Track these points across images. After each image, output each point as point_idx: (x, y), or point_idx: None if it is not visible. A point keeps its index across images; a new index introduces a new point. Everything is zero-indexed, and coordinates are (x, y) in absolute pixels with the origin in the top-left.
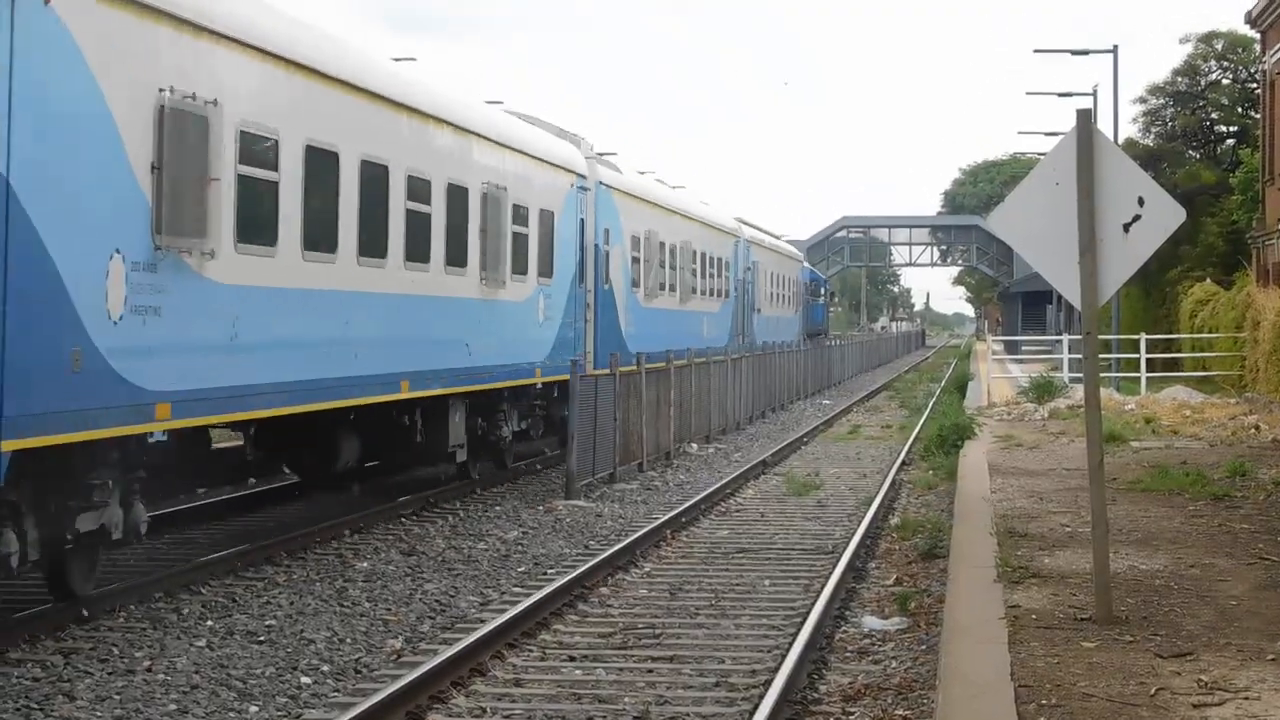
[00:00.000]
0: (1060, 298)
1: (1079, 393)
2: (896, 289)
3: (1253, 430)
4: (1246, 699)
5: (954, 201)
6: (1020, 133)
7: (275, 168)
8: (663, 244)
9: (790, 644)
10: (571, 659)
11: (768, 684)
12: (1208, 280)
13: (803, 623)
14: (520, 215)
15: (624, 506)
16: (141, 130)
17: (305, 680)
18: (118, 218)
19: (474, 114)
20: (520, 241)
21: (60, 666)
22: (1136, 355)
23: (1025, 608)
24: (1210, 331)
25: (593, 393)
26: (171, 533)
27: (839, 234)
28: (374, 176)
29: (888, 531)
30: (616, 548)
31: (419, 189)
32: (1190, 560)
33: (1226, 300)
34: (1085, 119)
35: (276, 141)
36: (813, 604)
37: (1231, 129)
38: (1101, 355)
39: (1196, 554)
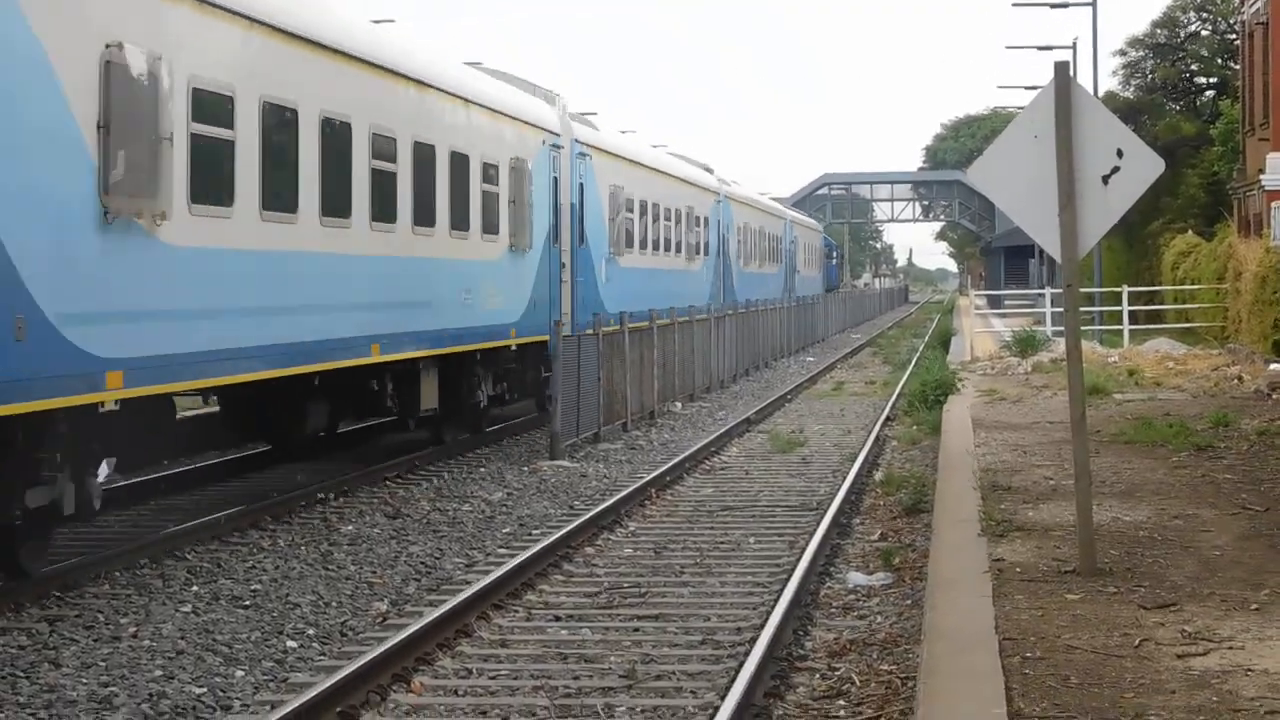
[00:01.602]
0: (1042, 251)
1: (1062, 346)
2: (879, 245)
3: (1235, 381)
4: (1230, 649)
5: (935, 157)
6: (1000, 87)
7: (231, 126)
8: (641, 202)
9: (775, 601)
10: (557, 619)
11: (753, 641)
12: (1189, 232)
13: (788, 579)
14: (490, 174)
15: (608, 466)
16: (86, 87)
17: (291, 644)
18: (62, 178)
19: (440, 70)
20: (490, 200)
21: (46, 634)
22: (1119, 308)
23: (1009, 561)
24: (1192, 283)
25: (576, 353)
26: (156, 499)
27: (820, 191)
28: (336, 134)
29: (872, 487)
30: (601, 507)
31: (384, 147)
32: (1174, 511)
33: (1208, 251)
34: (1064, 71)
35: (232, 98)
36: (798, 560)
37: (1211, 80)
38: (1083, 308)
39: (1180, 505)
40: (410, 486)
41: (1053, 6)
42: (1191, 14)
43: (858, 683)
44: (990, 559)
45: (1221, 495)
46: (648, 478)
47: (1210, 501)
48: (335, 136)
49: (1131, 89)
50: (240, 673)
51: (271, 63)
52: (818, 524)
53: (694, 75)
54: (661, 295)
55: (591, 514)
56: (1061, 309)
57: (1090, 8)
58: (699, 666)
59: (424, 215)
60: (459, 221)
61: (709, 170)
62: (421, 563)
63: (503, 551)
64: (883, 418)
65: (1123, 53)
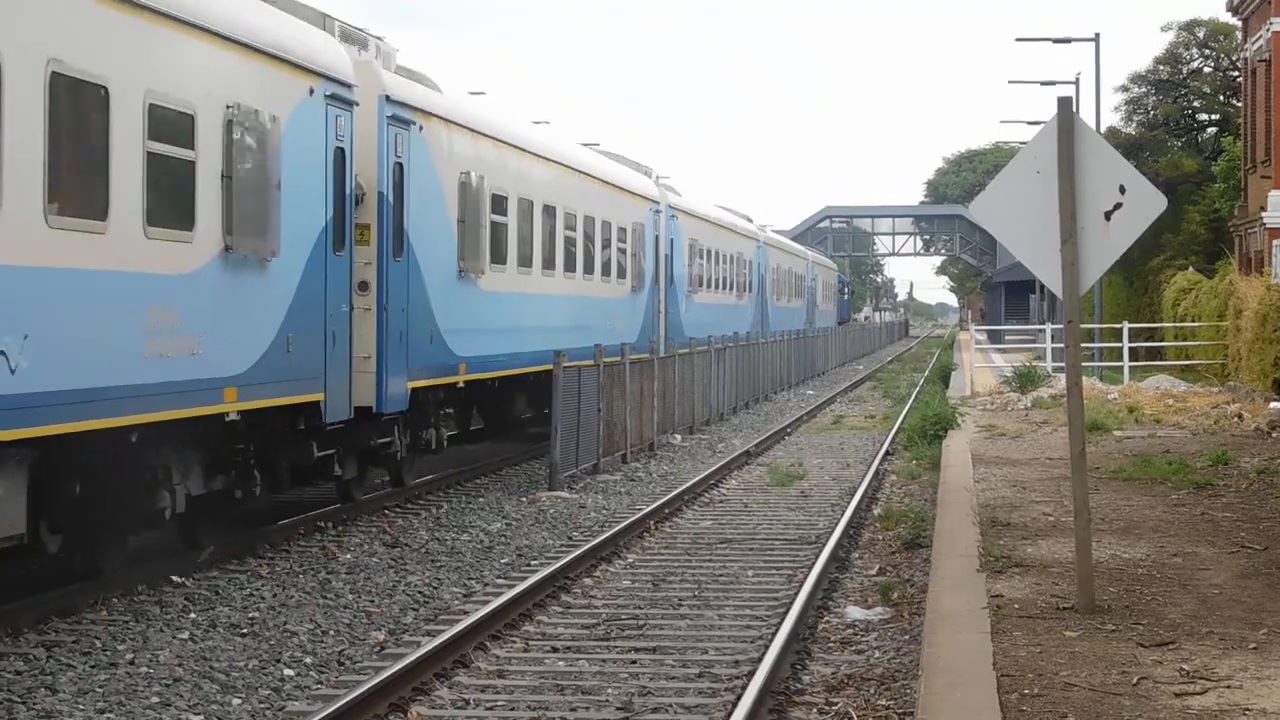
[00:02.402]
0: (1043, 287)
1: (1062, 382)
2: (880, 279)
3: (1235, 419)
4: (1229, 688)
5: (937, 191)
6: (1003, 122)
7: (505, 213)
8: (707, 250)
9: (773, 634)
10: (555, 650)
11: (751, 674)
12: (1190, 269)
13: (786, 613)
14: (621, 233)
15: (607, 497)
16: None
17: (288, 672)
18: (447, 255)
19: (590, 160)
20: (620, 253)
21: (42, 659)
22: (1119, 344)
23: (1008, 597)
24: (1193, 320)
25: (576, 383)
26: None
27: (822, 224)
28: (549, 214)
29: (871, 521)
30: (600, 539)
31: (571, 221)
32: (1173, 549)
33: (1209, 289)
34: (1066, 107)
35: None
36: (796, 594)
37: (1213, 117)
38: (1084, 344)
39: (1179, 543)
40: (409, 516)
41: (1055, 42)
42: (1194, 51)
43: (855, 718)
44: (989, 595)
45: (1220, 533)
46: (646, 509)
47: (1209, 539)
48: (540, 214)
49: (1134, 125)
50: (237, 701)
51: (542, 178)
52: (816, 558)
53: (696, 105)
54: (720, 325)
55: (590, 545)
56: (1062, 344)
57: (1093, 44)
58: (696, 700)
59: (589, 266)
60: (605, 269)
61: (749, 219)
62: (419, 592)
63: (501, 582)
64: (882, 452)
65: (1125, 89)
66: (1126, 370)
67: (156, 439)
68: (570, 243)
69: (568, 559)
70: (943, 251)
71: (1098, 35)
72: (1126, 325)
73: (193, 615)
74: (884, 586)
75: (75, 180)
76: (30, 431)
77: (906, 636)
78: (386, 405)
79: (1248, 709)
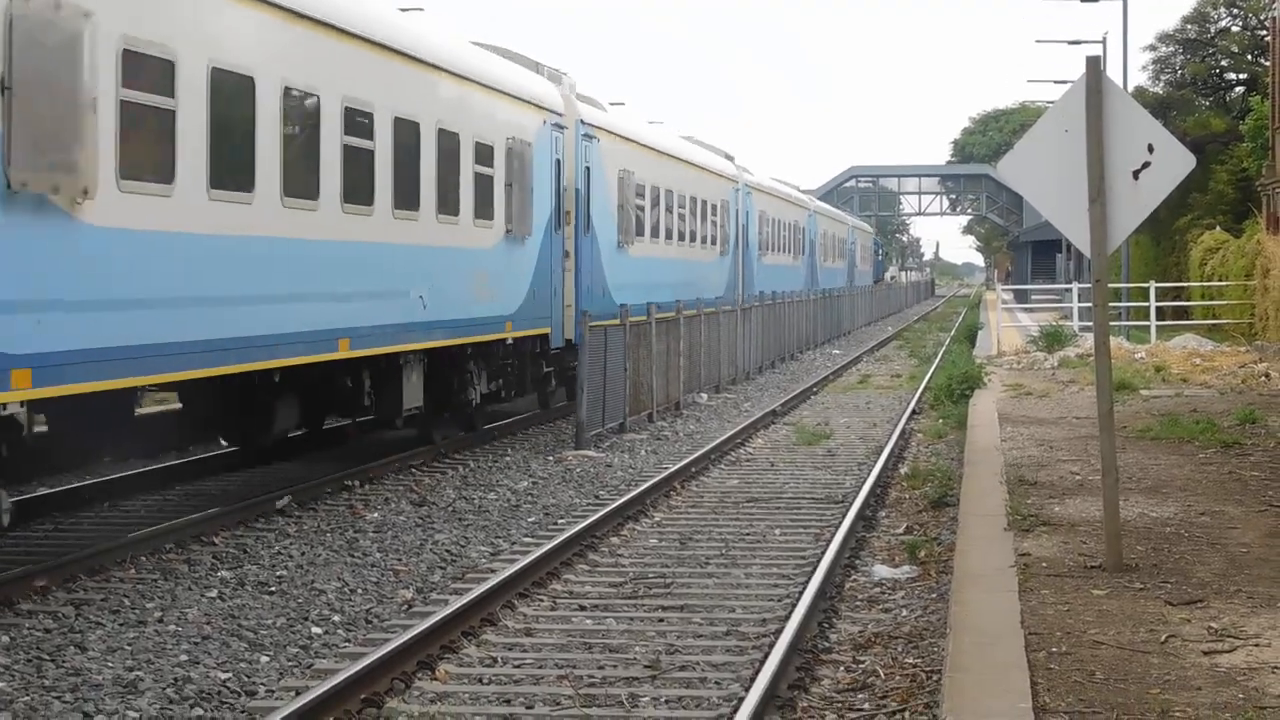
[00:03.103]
0: (1070, 246)
1: (1088, 341)
2: (906, 238)
3: (1263, 378)
4: (1257, 646)
5: (963, 150)
6: (1029, 81)
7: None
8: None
9: (801, 593)
10: (582, 608)
11: (778, 633)
12: (1217, 228)
13: (813, 571)
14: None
15: (634, 456)
16: None
17: (316, 630)
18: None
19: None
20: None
21: (71, 618)
22: (1146, 304)
23: (1035, 556)
24: (1220, 279)
25: (602, 343)
26: (181, 484)
27: (848, 184)
28: (302, 107)
29: (898, 480)
30: (626, 497)
31: (359, 123)
32: (1200, 508)
33: (1236, 248)
34: (1095, 66)
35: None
36: (823, 553)
37: (1241, 76)
38: (1111, 304)
39: (1206, 501)
40: (436, 474)
41: (1083, 1)
42: (1222, 9)
43: (882, 676)
44: (1016, 554)
45: (1248, 492)
46: (673, 468)
47: (1237, 498)
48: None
49: (1161, 84)
50: (265, 658)
51: (665, 169)
52: (843, 517)
53: (720, 67)
54: (673, 287)
55: (617, 504)
56: (1089, 304)
57: (1121, 3)
58: (723, 658)
59: (407, 198)
60: (447, 205)
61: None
62: (447, 551)
63: (528, 540)
64: (908, 411)
65: (1153, 48)
66: (1153, 329)
67: (472, 353)
68: (681, 219)
69: (595, 518)
70: (969, 211)
71: None
72: (1154, 284)
73: (221, 573)
74: (911, 545)
75: (449, 195)
76: (428, 344)
77: (934, 595)
78: (580, 338)
79: (1276, 667)
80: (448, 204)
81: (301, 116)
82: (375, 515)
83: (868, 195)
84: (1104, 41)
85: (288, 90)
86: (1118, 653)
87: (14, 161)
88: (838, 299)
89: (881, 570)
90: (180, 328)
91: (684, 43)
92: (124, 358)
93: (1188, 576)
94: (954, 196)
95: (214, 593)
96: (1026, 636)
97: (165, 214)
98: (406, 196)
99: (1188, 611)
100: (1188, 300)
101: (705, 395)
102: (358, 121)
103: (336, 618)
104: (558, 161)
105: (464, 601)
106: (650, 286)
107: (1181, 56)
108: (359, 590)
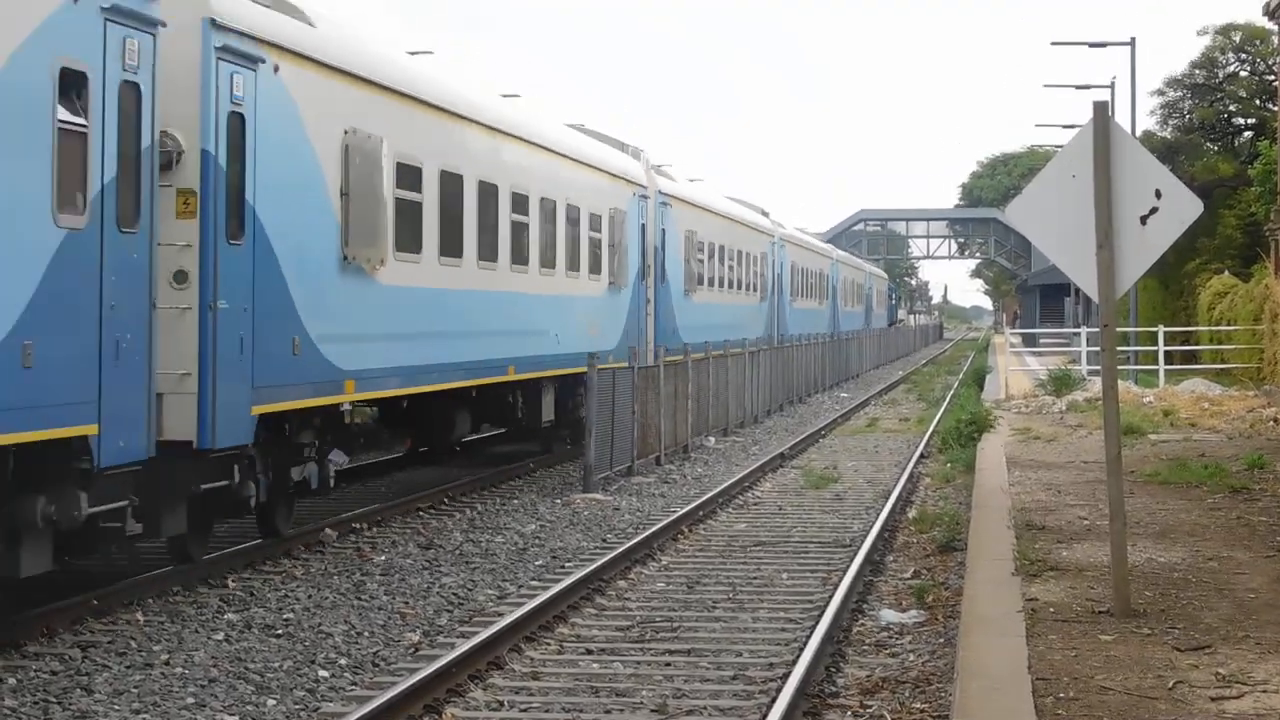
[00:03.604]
0: (1078, 290)
1: (1097, 385)
2: (914, 282)
3: (1271, 423)
4: (1265, 692)
5: (971, 194)
6: (1038, 125)
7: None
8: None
9: (808, 637)
10: (589, 652)
11: (785, 677)
12: (1226, 273)
13: (820, 616)
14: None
15: (641, 500)
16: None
17: (323, 674)
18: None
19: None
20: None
21: (78, 660)
22: (1154, 348)
23: (1043, 600)
24: (1228, 324)
25: (610, 385)
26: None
27: (856, 226)
28: (489, 194)
29: (905, 524)
30: (634, 541)
31: (520, 202)
32: (1208, 553)
33: (1245, 292)
34: (1102, 111)
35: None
36: (830, 597)
37: (1249, 121)
38: (1119, 348)
39: (1214, 547)
40: (444, 517)
41: (1091, 46)
42: (1230, 55)
43: None
44: (1024, 598)
45: (1256, 537)
46: (681, 512)
47: (1245, 543)
48: (488, 196)
49: (1169, 129)
50: (272, 701)
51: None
52: (851, 560)
53: (730, 107)
54: (725, 328)
55: (624, 547)
56: (1097, 348)
57: (1129, 48)
58: (731, 702)
59: (547, 257)
60: (574, 263)
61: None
62: (454, 594)
63: (535, 584)
64: (916, 454)
65: (1161, 93)
66: (1162, 374)
67: (577, 379)
68: (730, 269)
69: (602, 561)
70: (977, 254)
71: (1133, 39)
72: (1162, 329)
73: (228, 616)
74: (919, 589)
75: (574, 255)
76: (560, 371)
77: (941, 639)
78: (638, 362)
79: None
80: (574, 262)
81: (487, 201)
82: (382, 558)
83: (876, 238)
84: (1112, 86)
85: (480, 183)
86: (1125, 698)
87: (349, 243)
88: (847, 342)
89: (889, 615)
90: (429, 353)
91: (692, 81)
92: (399, 375)
93: (1195, 622)
94: (962, 240)
95: (221, 635)
96: (1034, 682)
97: (415, 274)
98: (548, 257)
99: (1195, 657)
100: (1196, 344)
101: (713, 439)
102: (519, 201)
103: (343, 661)
104: (643, 226)
105: (470, 645)
106: (709, 328)
107: (1190, 101)
108: (366, 633)
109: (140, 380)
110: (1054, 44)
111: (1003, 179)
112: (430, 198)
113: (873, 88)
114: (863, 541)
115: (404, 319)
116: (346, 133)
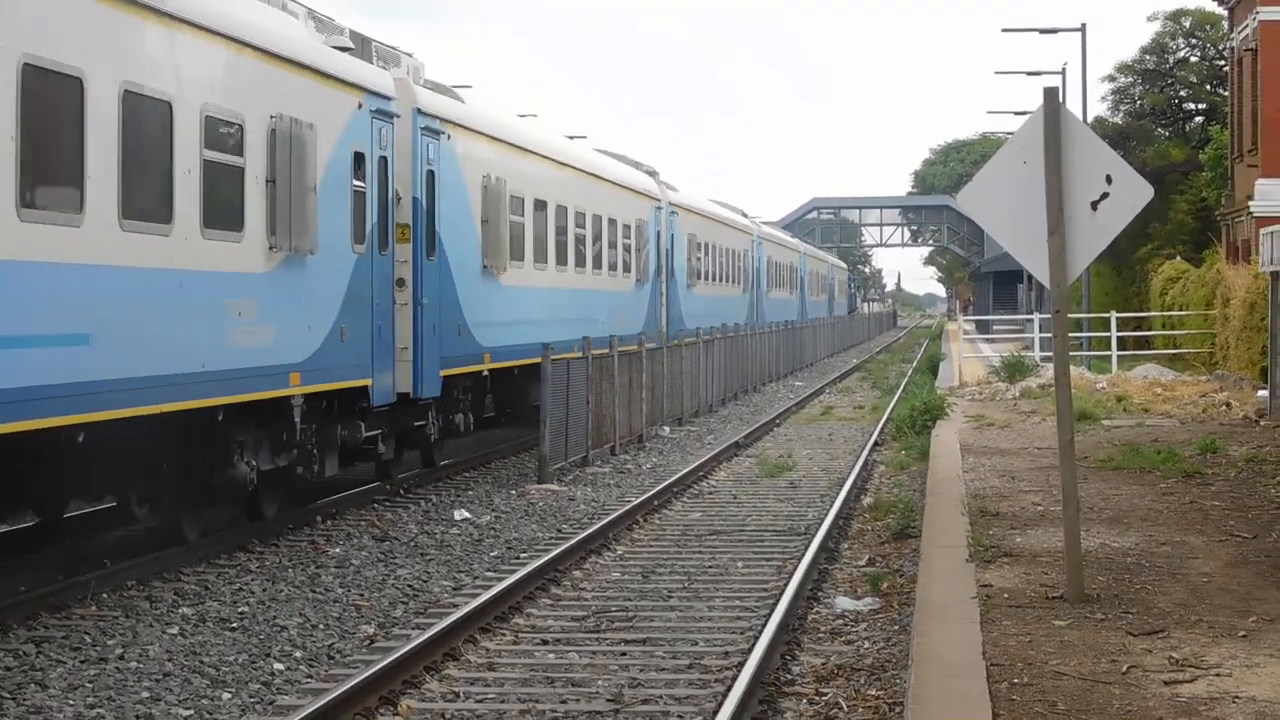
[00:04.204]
0: (1031, 277)
1: (1050, 372)
2: (868, 270)
3: (1223, 407)
4: (1218, 676)
5: (924, 181)
6: (989, 112)
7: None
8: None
9: (763, 625)
10: (545, 642)
11: (741, 665)
12: (1178, 258)
13: (775, 604)
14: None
15: (596, 490)
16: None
17: (278, 666)
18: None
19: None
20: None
21: (32, 655)
22: (1107, 334)
23: (997, 587)
24: (1180, 309)
25: (565, 375)
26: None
27: (809, 215)
28: (562, 213)
29: (860, 512)
30: (589, 531)
31: (578, 216)
32: (1162, 538)
33: (1196, 278)
34: (1053, 97)
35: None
36: (785, 585)
37: (1200, 106)
38: (1072, 334)
39: (1168, 531)
40: (398, 509)
41: (1042, 32)
42: (1181, 40)
43: (845, 708)
44: (978, 585)
45: (1209, 522)
46: (636, 502)
47: (1198, 528)
48: (561, 215)
49: (1120, 115)
50: (227, 695)
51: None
52: (805, 549)
53: (695, 104)
54: (717, 316)
55: (579, 538)
56: (1049, 334)
57: (1080, 34)
58: (686, 691)
59: (600, 262)
60: (614, 265)
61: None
62: (409, 585)
63: (490, 575)
64: (871, 442)
65: (1112, 78)
66: (1115, 359)
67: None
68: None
69: (557, 551)
70: (930, 242)
71: (1084, 25)
72: (1114, 314)
73: (182, 610)
74: (873, 577)
75: (614, 258)
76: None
77: (896, 627)
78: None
79: (1237, 696)
80: (614, 264)
81: (562, 219)
82: (337, 550)
83: (829, 227)
84: (1063, 72)
85: (557, 206)
86: (1079, 683)
87: (485, 255)
88: (800, 330)
89: (844, 602)
90: (529, 334)
91: (648, 68)
92: (513, 351)
93: (1149, 607)
94: (915, 228)
95: (175, 629)
96: (988, 668)
97: (521, 277)
98: (598, 261)
99: (1149, 642)
100: (1149, 330)
101: (668, 428)
102: (579, 217)
103: (299, 653)
104: (657, 232)
105: (426, 636)
106: (706, 315)
107: (1141, 87)
108: (321, 626)
109: (389, 351)
110: (1005, 30)
111: (955, 166)
112: (529, 219)
113: (825, 75)
114: (817, 530)
115: (516, 310)
116: (484, 177)
